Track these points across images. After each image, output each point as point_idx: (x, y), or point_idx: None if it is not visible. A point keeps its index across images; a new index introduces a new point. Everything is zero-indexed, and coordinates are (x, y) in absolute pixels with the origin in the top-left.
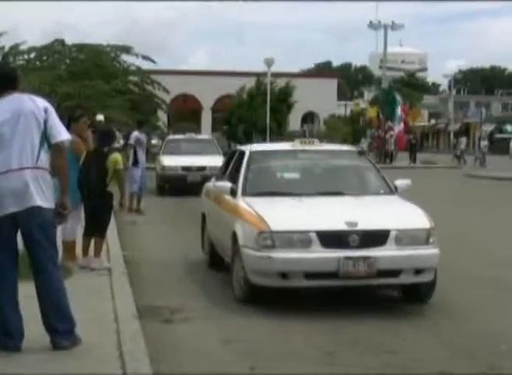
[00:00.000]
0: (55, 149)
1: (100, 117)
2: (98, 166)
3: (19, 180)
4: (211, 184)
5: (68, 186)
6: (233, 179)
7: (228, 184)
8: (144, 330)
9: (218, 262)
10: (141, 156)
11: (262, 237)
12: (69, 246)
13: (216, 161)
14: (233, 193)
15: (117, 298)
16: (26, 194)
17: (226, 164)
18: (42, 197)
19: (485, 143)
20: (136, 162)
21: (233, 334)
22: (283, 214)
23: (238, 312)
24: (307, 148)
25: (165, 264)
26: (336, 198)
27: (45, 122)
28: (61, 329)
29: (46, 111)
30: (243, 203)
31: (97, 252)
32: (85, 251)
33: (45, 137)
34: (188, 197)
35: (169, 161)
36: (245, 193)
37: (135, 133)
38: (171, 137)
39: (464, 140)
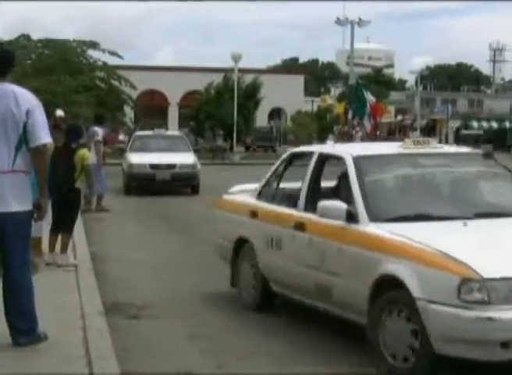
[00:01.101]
0: (35, 152)
1: (60, 113)
2: (66, 162)
3: None
4: (247, 198)
5: (46, 187)
6: (316, 195)
7: (342, 205)
8: (110, 327)
9: (269, 302)
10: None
11: (469, 288)
12: (36, 242)
13: (187, 158)
14: (352, 218)
15: (83, 295)
16: (2, 199)
17: (281, 172)
18: (18, 201)
19: (436, 140)
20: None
21: (200, 331)
22: (483, 252)
23: (205, 309)
24: (426, 150)
25: (132, 261)
26: (508, 220)
27: (25, 125)
28: (22, 327)
29: (28, 113)
30: (390, 234)
31: (64, 249)
32: (51, 248)
33: (24, 139)
34: (157, 196)
35: (137, 158)
36: (374, 218)
37: (100, 130)
38: (139, 133)
39: (415, 134)
